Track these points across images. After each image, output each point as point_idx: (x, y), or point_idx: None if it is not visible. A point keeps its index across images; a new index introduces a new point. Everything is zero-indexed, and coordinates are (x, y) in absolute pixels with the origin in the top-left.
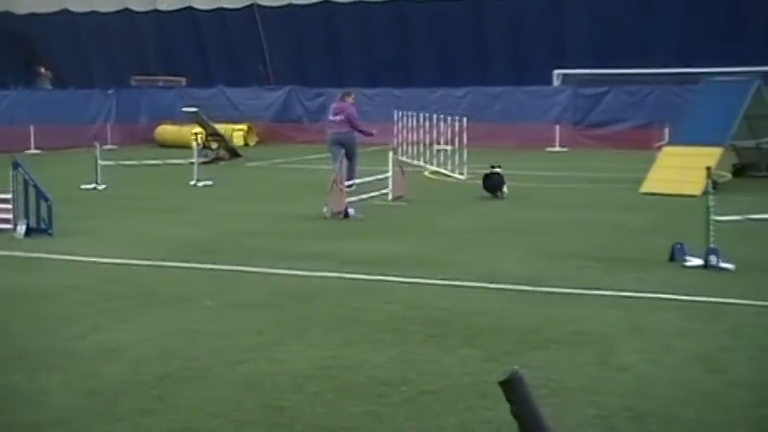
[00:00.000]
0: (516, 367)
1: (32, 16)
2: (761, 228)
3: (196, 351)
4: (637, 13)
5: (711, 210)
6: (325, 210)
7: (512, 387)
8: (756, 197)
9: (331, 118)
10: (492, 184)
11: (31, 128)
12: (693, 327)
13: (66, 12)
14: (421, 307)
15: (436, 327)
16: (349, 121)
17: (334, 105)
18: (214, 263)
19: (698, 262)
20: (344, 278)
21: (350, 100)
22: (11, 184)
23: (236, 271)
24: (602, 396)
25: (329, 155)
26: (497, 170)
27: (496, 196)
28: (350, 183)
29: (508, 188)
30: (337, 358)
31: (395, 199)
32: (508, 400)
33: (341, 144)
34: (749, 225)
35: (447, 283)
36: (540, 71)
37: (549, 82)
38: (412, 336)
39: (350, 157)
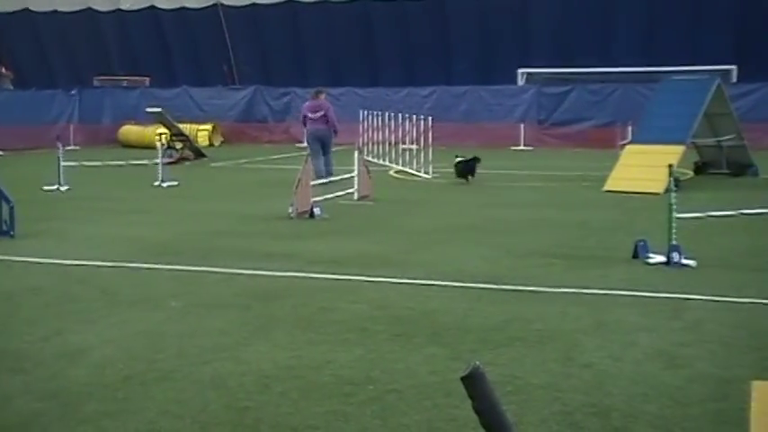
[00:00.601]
0: (477, 362)
1: None
2: (721, 224)
3: (161, 352)
4: (600, 13)
5: (673, 207)
6: (290, 210)
7: (473, 382)
8: (717, 194)
9: (311, 115)
10: (464, 169)
11: None
12: (655, 323)
13: (26, 11)
14: (386, 306)
15: (402, 326)
16: (328, 118)
17: (310, 104)
18: (179, 263)
19: (660, 259)
20: (310, 278)
21: (323, 98)
22: None
23: (201, 271)
24: (565, 393)
25: (310, 150)
26: (466, 158)
27: (467, 180)
28: (328, 178)
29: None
30: (303, 358)
31: (360, 198)
32: (470, 395)
33: (319, 139)
34: (710, 222)
35: (412, 282)
36: (504, 70)
37: (514, 81)
38: (377, 335)
39: (326, 151)
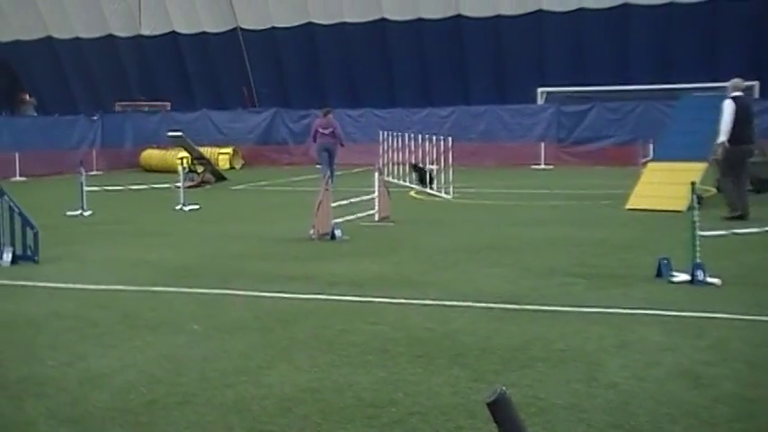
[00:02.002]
0: (502, 387)
1: (16, 43)
2: (746, 242)
3: (183, 376)
4: (617, 30)
5: (697, 225)
6: (311, 231)
7: (499, 407)
8: None
9: (321, 131)
10: (421, 176)
11: (16, 155)
12: (680, 342)
13: (49, 39)
14: (407, 327)
15: (423, 347)
16: (336, 134)
17: (320, 121)
18: (200, 287)
19: (684, 277)
20: (330, 300)
21: (331, 116)
22: None
23: (222, 294)
24: (590, 413)
25: (319, 159)
26: (423, 165)
27: (426, 184)
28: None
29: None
30: (324, 380)
31: (381, 219)
32: (495, 421)
33: (327, 150)
34: (734, 239)
35: (433, 302)
36: (522, 90)
37: (533, 100)
38: (399, 356)
39: (332, 161)
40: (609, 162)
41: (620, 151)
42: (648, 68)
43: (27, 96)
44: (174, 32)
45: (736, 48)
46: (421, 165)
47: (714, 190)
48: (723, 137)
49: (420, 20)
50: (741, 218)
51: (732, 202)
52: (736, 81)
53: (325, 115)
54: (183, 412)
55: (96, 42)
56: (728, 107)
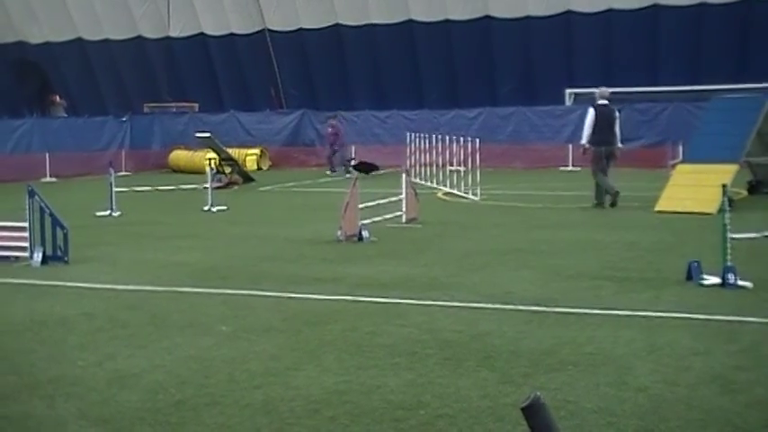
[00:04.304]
0: (537, 392)
1: (46, 45)
2: None
3: (211, 377)
4: (646, 31)
5: (728, 227)
6: (338, 233)
7: (533, 412)
8: None
9: (329, 131)
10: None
11: (47, 156)
12: (711, 346)
13: (79, 40)
14: (435, 330)
15: (451, 349)
16: (339, 135)
17: (330, 123)
18: (228, 288)
19: (715, 280)
20: (358, 301)
21: (335, 121)
22: (27, 212)
23: (250, 296)
24: (620, 418)
25: (331, 152)
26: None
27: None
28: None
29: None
30: (352, 383)
31: (408, 221)
32: (530, 426)
33: (332, 145)
34: (765, 242)
35: (461, 305)
36: (550, 91)
37: (561, 101)
38: (427, 359)
39: (335, 152)
40: (638, 164)
41: (649, 153)
42: (678, 69)
43: (57, 98)
44: (202, 34)
45: (766, 48)
46: (353, 160)
47: (745, 192)
48: (584, 140)
49: (448, 21)
50: (613, 205)
51: (609, 187)
52: (602, 90)
53: (333, 119)
54: (212, 413)
55: (126, 44)
56: (590, 114)
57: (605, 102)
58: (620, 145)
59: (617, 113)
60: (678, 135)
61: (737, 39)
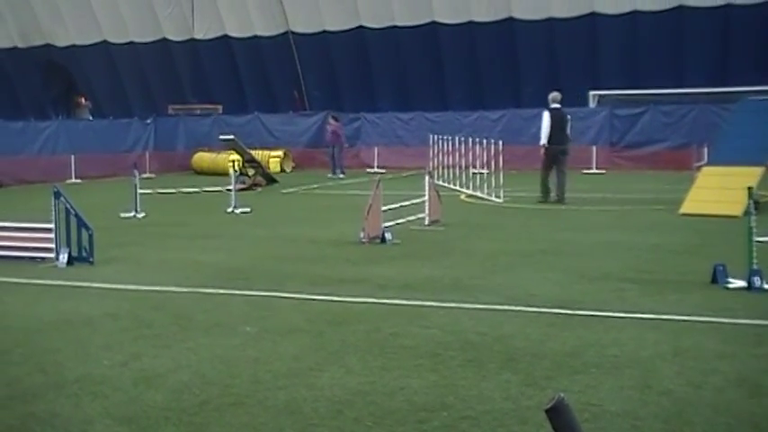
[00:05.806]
0: (561, 394)
1: (72, 48)
2: None
3: (235, 378)
4: (670, 33)
5: (753, 230)
6: (361, 235)
7: (558, 414)
8: None
9: (329, 131)
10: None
11: (72, 157)
12: (737, 349)
13: (104, 43)
14: (459, 331)
15: (474, 351)
16: (339, 134)
17: (330, 123)
18: (252, 289)
19: (741, 284)
20: (381, 303)
21: (336, 121)
22: (53, 213)
23: (274, 297)
24: (644, 421)
25: (328, 150)
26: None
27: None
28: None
29: None
30: (375, 384)
31: (431, 223)
32: (554, 428)
33: (333, 145)
34: None
35: (484, 306)
36: (574, 93)
37: (585, 103)
38: (450, 360)
39: (337, 150)
40: (663, 166)
41: (674, 155)
42: (704, 71)
43: (83, 100)
44: (226, 36)
45: None
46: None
47: None
48: (543, 140)
49: (471, 23)
50: (559, 201)
51: (558, 186)
52: (554, 95)
53: (335, 119)
54: (236, 413)
55: (150, 46)
56: (545, 117)
57: (557, 105)
58: (569, 144)
59: (568, 116)
60: (703, 137)
61: (764, 40)
